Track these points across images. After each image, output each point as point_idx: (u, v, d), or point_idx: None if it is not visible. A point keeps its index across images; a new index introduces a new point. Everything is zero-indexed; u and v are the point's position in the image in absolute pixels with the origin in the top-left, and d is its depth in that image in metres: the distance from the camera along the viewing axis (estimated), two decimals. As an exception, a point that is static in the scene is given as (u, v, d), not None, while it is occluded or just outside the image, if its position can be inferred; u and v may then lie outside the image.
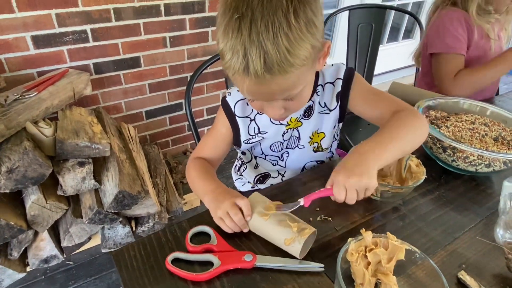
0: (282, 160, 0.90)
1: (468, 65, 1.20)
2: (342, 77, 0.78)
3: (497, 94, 1.46)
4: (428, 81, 1.36)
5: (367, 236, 0.53)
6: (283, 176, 0.94)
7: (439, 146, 0.80)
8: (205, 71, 1.05)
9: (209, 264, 0.58)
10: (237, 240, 0.63)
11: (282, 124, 0.81)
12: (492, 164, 0.76)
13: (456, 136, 0.83)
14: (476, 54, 1.23)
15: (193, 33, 1.79)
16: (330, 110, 0.81)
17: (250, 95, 0.61)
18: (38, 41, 1.42)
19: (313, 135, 0.85)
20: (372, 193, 0.70)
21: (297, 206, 0.61)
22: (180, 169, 1.97)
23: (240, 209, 0.62)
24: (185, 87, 1.92)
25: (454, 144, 0.75)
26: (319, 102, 0.80)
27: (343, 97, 0.79)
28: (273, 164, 0.92)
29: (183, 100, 1.98)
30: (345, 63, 1.61)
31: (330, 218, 0.67)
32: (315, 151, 0.88)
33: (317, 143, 0.86)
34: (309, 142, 0.85)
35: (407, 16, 2.90)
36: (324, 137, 0.85)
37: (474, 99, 0.96)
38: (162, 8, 1.63)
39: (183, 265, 0.58)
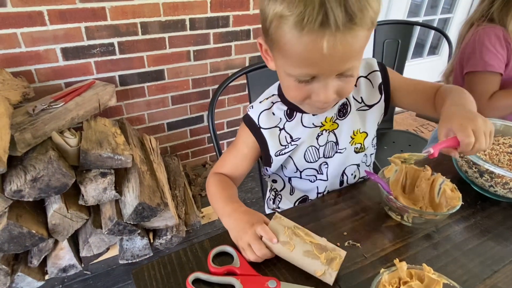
0: (322, 174, 0.82)
1: (505, 86, 1.14)
2: (378, 69, 0.76)
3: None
4: None
5: (402, 267, 0.50)
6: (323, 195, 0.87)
7: (475, 170, 0.75)
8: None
9: (231, 287, 0.55)
10: (260, 264, 0.60)
11: (316, 126, 0.76)
12: (534, 191, 0.71)
13: (494, 160, 0.78)
14: None
15: (217, 47, 1.80)
16: (370, 106, 0.78)
17: (315, 63, 0.54)
18: (67, 53, 1.46)
19: (354, 134, 0.79)
20: (403, 218, 0.67)
21: (426, 155, 0.60)
22: (199, 182, 1.97)
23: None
24: (206, 100, 1.94)
25: (492, 169, 0.70)
26: (354, 97, 0.77)
27: (386, 87, 0.77)
28: (311, 181, 0.84)
29: (204, 113, 1.99)
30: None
31: (358, 244, 0.64)
32: (356, 152, 0.81)
33: (360, 143, 0.81)
34: (350, 142, 0.79)
35: (432, 32, 2.85)
36: (366, 137, 0.80)
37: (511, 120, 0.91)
38: (187, 23, 1.65)
39: (203, 286, 0.56)
